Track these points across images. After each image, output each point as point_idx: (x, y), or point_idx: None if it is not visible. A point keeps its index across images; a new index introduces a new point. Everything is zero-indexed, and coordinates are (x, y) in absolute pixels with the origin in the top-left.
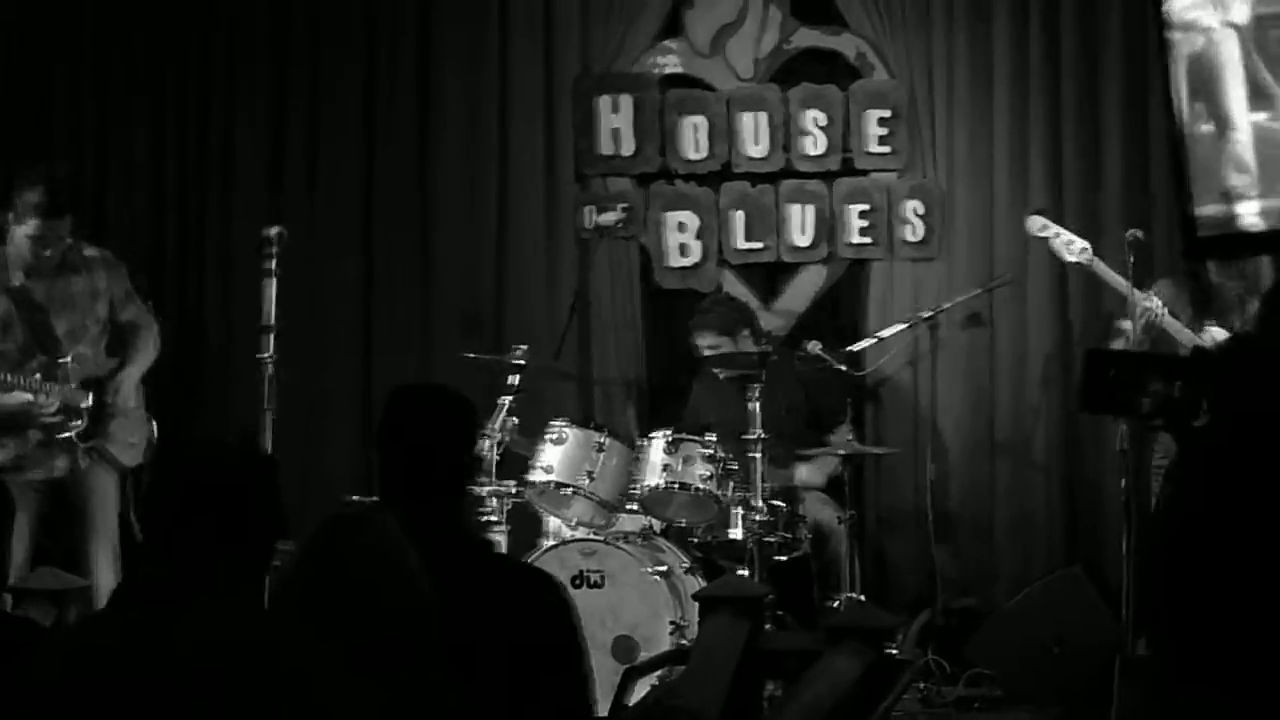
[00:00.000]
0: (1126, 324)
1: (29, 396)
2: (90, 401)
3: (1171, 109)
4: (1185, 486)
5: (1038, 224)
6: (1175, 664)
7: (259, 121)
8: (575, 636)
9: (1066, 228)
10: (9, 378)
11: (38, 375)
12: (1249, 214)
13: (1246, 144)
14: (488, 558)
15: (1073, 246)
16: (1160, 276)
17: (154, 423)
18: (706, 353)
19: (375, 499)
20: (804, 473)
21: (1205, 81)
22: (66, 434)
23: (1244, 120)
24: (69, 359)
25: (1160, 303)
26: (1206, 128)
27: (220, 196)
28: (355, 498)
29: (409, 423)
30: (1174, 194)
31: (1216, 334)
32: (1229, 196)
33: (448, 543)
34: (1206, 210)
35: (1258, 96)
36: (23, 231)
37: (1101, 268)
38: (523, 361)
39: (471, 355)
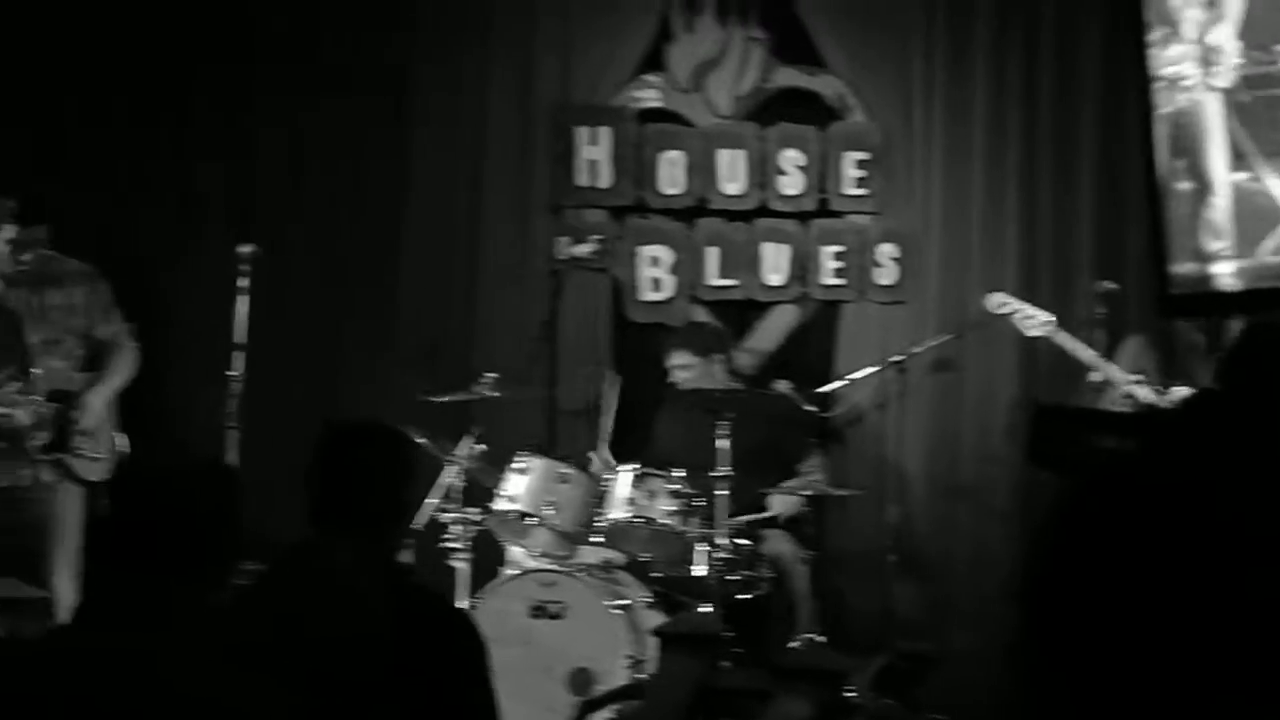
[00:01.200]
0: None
1: (13, 413)
2: (55, 415)
3: (1151, 164)
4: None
5: (996, 301)
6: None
7: (235, 137)
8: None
9: (1028, 301)
10: None
11: (9, 384)
12: (1224, 274)
13: (1225, 206)
14: (416, 595)
15: (1033, 321)
16: (1132, 332)
17: (122, 438)
18: (678, 373)
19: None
20: (777, 504)
21: (1187, 140)
22: (28, 444)
23: (1224, 181)
24: (38, 370)
25: (1124, 377)
26: (1185, 185)
27: (194, 215)
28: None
29: (339, 460)
30: (1150, 250)
31: (1182, 394)
32: (1204, 257)
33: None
34: (1181, 269)
35: (1238, 157)
36: (1, 238)
37: (1065, 339)
38: (489, 392)
39: (437, 398)
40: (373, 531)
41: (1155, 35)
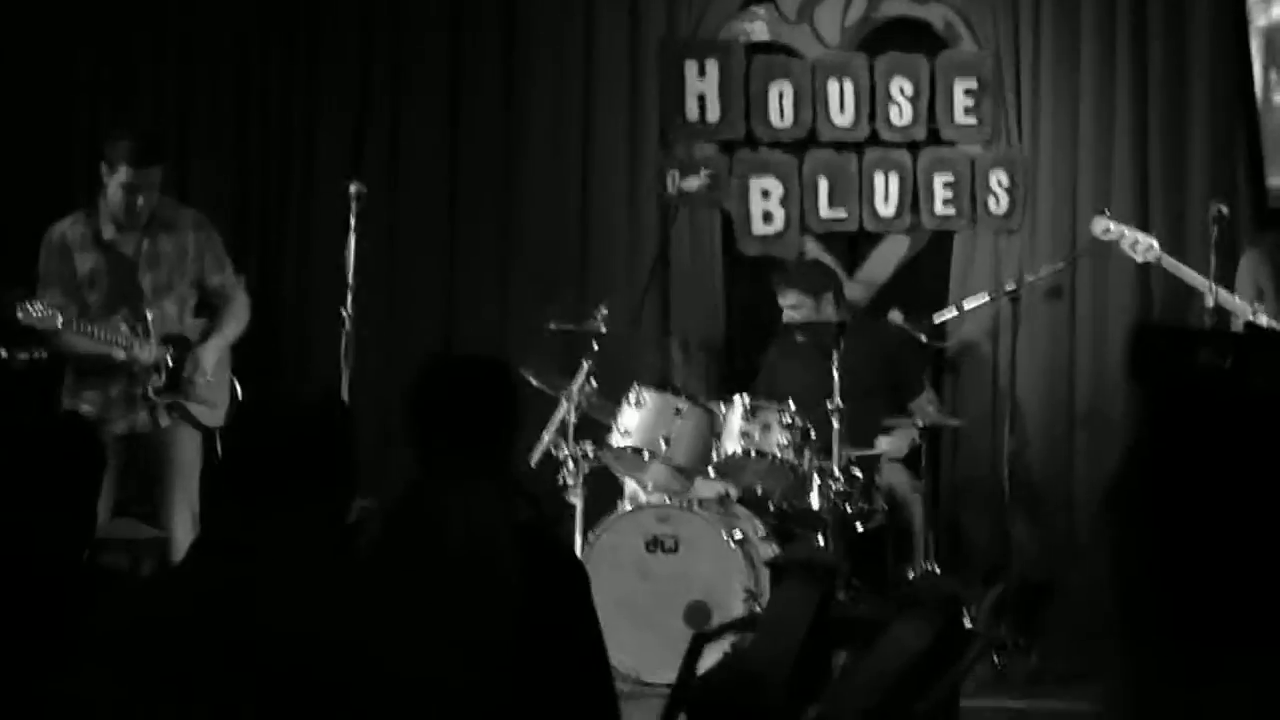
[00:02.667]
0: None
1: (113, 348)
2: (170, 358)
3: (1248, 77)
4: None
5: (1100, 226)
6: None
7: (343, 78)
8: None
9: (1135, 227)
10: (94, 329)
11: (123, 327)
12: None
13: None
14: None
15: (1138, 246)
16: (1247, 247)
17: (237, 384)
18: (788, 313)
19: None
20: (885, 444)
21: None
22: (144, 388)
23: None
24: (151, 314)
25: (1232, 299)
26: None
27: (303, 154)
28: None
29: (447, 400)
30: (1247, 163)
31: None
32: None
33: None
34: (1277, 180)
35: None
36: (116, 180)
37: (1171, 263)
38: (603, 327)
39: (553, 326)
40: (486, 471)
41: None
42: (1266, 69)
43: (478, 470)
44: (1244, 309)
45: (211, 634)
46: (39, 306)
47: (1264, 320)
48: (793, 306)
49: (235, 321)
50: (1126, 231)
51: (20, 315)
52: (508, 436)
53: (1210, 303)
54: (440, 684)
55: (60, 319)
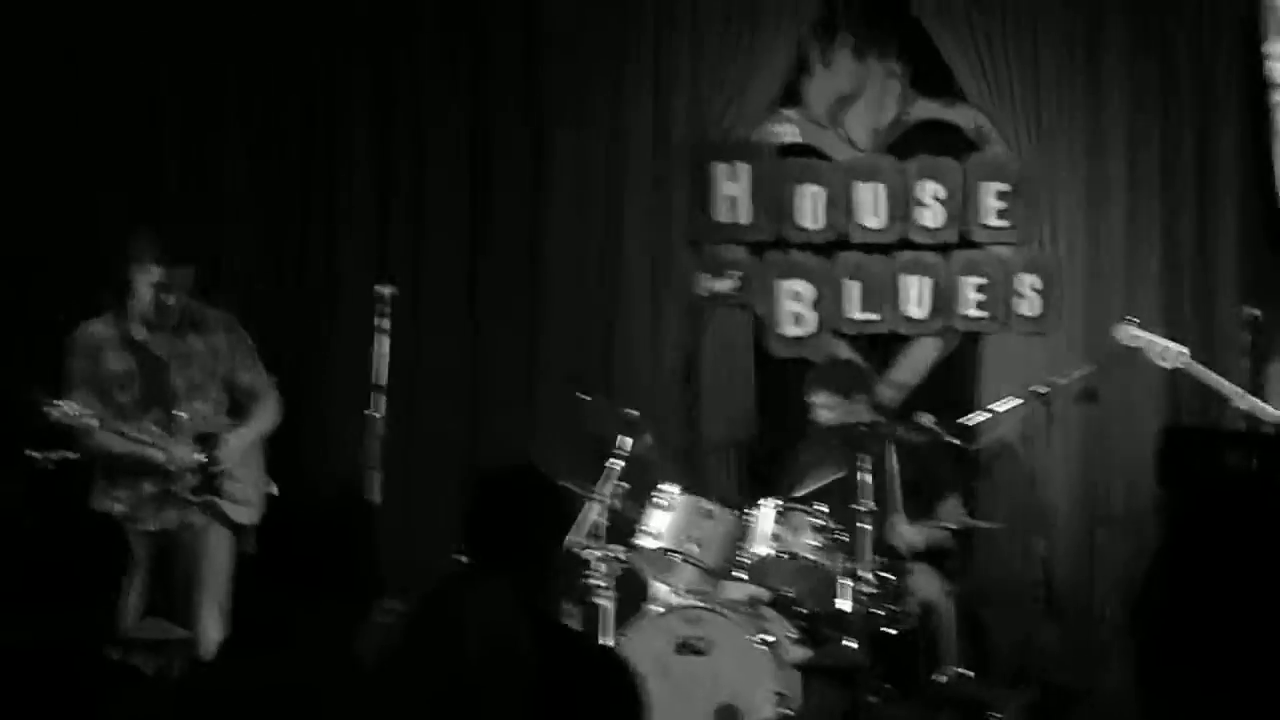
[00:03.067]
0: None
1: (144, 448)
2: (203, 457)
3: (1271, 177)
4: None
5: (1127, 334)
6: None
7: (366, 180)
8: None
9: (1162, 334)
10: (125, 429)
11: (154, 427)
12: None
13: None
14: (570, 637)
15: (1167, 353)
16: (1277, 354)
17: (270, 482)
18: (821, 413)
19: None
20: (906, 533)
21: None
22: (176, 487)
23: None
24: (184, 414)
25: (1263, 407)
26: None
27: (327, 252)
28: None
29: (498, 509)
30: (1275, 262)
31: None
32: None
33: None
34: None
35: None
36: (146, 280)
37: (1199, 370)
38: (633, 436)
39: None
40: (519, 572)
41: (1272, 48)
42: None
43: (514, 569)
44: (1275, 415)
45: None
46: (74, 406)
47: None
48: (824, 406)
49: (264, 418)
50: (1154, 339)
51: (54, 414)
52: (533, 538)
53: (1242, 407)
54: None
55: (97, 419)
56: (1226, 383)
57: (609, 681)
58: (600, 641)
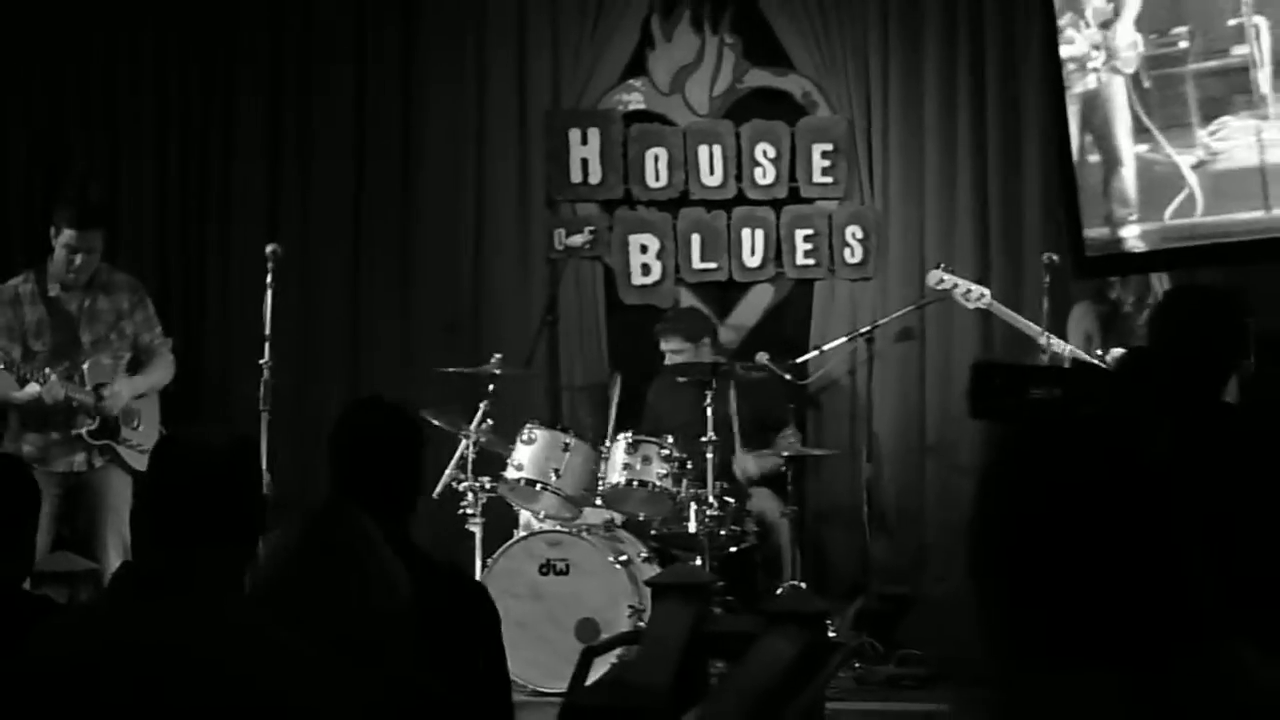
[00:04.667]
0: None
1: (44, 391)
2: (91, 399)
3: (1065, 140)
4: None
5: (935, 278)
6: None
7: (256, 146)
8: (499, 635)
9: (969, 278)
10: (29, 375)
11: (50, 374)
12: (1131, 236)
13: (1130, 176)
14: (430, 565)
15: (970, 295)
16: (1076, 299)
17: (165, 432)
18: (670, 358)
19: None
20: (745, 463)
21: (1094, 117)
22: (78, 430)
23: (1129, 153)
24: (87, 365)
25: (1061, 344)
26: (1094, 158)
27: (220, 217)
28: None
29: (363, 438)
30: (1066, 216)
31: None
32: (1114, 221)
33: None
34: (1093, 233)
35: (1140, 130)
36: (60, 241)
37: (1000, 310)
38: (498, 370)
39: (451, 370)
40: (389, 502)
41: (1064, 22)
42: (1082, 132)
43: (384, 499)
44: (1071, 351)
45: (127, 666)
46: None
47: (1084, 357)
48: (674, 350)
49: (158, 372)
50: (959, 282)
51: None
52: (406, 470)
53: (1041, 343)
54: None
55: (2, 363)
56: (1028, 322)
57: (467, 598)
58: (462, 570)
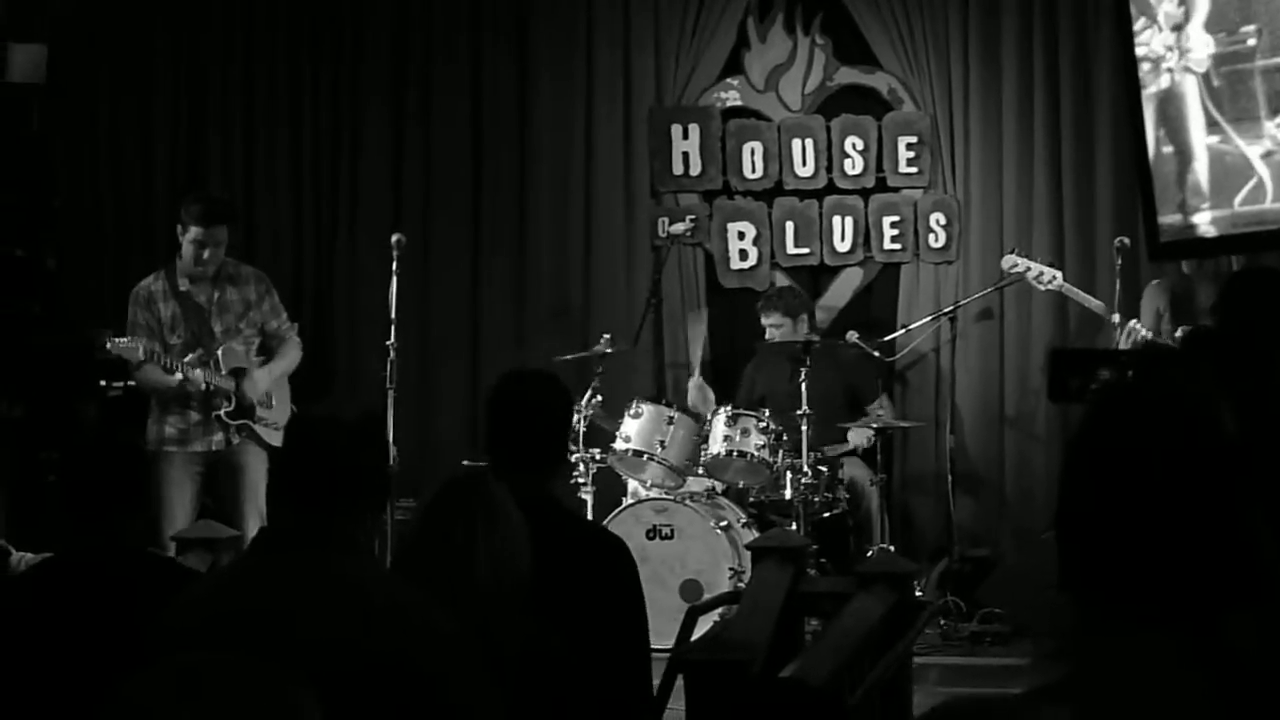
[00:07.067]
0: (1133, 323)
1: (188, 378)
2: (236, 388)
3: (1141, 134)
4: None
5: (1009, 262)
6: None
7: (381, 144)
8: (638, 589)
9: (1041, 261)
10: (172, 363)
11: (190, 360)
12: (1203, 223)
13: (1203, 168)
14: (573, 523)
15: (1043, 278)
16: (1149, 280)
17: (296, 410)
18: (770, 333)
19: (485, 464)
20: (853, 437)
21: (1168, 114)
22: (217, 412)
23: (1200, 145)
24: (220, 352)
25: (1134, 324)
26: (1168, 150)
27: (348, 210)
28: (467, 462)
29: (517, 402)
30: (1142, 204)
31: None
32: (1186, 208)
33: (543, 509)
34: (1167, 219)
35: (1211, 124)
36: (188, 238)
37: (1071, 291)
38: (607, 350)
39: (567, 358)
40: (539, 462)
41: (1138, 25)
42: (1157, 128)
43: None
44: (1139, 329)
45: (270, 616)
46: (123, 341)
47: (1155, 336)
48: (774, 325)
49: (287, 358)
50: (1032, 265)
51: (110, 348)
52: (555, 434)
53: (1114, 320)
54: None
55: (141, 352)
56: (1098, 301)
57: (607, 556)
58: (604, 529)
